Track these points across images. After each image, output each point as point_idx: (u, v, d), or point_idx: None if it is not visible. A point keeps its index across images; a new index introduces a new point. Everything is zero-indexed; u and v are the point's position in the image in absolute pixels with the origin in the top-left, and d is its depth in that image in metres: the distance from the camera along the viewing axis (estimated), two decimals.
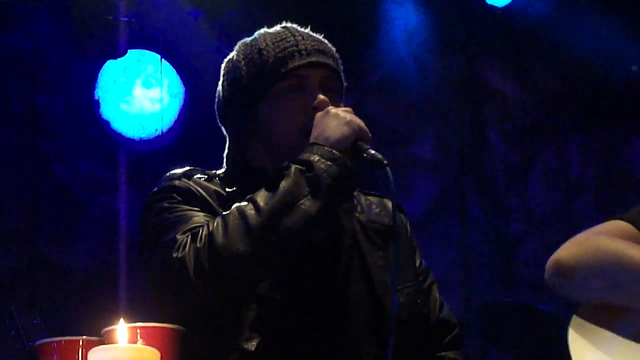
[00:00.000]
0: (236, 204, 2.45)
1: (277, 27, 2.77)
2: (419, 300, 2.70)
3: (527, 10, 6.08)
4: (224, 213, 2.45)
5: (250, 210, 2.41)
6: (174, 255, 2.39)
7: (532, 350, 5.00)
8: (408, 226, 2.88)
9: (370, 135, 2.55)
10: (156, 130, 5.70)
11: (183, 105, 5.71)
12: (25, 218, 5.52)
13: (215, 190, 2.60)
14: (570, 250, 2.59)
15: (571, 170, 6.48)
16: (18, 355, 4.39)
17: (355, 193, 2.76)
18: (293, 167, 2.45)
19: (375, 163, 2.49)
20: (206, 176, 2.66)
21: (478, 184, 6.39)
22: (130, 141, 5.71)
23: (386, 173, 2.49)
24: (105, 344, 2.05)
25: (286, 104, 2.63)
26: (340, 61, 2.75)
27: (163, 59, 5.70)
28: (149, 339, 2.06)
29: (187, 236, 2.42)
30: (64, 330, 2.37)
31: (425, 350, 2.70)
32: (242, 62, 2.70)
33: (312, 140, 2.51)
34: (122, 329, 1.99)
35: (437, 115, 6.45)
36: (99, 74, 5.66)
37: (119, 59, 5.61)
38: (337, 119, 2.52)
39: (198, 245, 2.38)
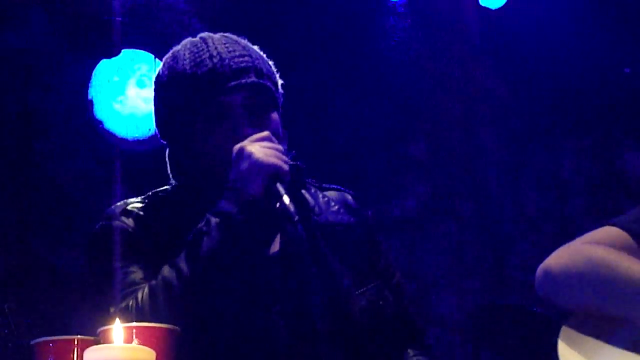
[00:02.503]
0: (162, 273, 2.46)
1: (198, 39, 2.69)
2: (381, 302, 2.65)
3: (520, 12, 6.09)
4: (151, 283, 2.46)
5: (174, 280, 2.43)
6: None
7: (524, 352, 5.00)
8: (370, 220, 2.82)
9: (286, 168, 2.49)
10: (149, 130, 5.70)
11: None
12: (18, 217, 5.51)
13: (152, 223, 2.59)
14: (560, 258, 2.59)
15: (563, 173, 6.49)
16: (10, 353, 4.38)
17: (312, 190, 2.73)
18: (213, 221, 2.44)
19: (286, 216, 2.44)
20: (145, 203, 2.64)
21: (470, 185, 6.39)
22: (124, 141, 5.70)
23: (296, 227, 2.47)
24: (101, 343, 2.05)
25: (210, 134, 2.59)
26: (267, 65, 2.68)
27: (157, 59, 5.70)
28: (145, 339, 2.05)
29: (119, 312, 2.43)
30: (58, 330, 2.37)
31: (391, 352, 2.67)
32: (166, 85, 2.66)
33: (229, 183, 2.48)
34: (117, 328, 1.98)
35: (430, 116, 6.46)
36: (93, 74, 5.66)
37: (112, 59, 5.61)
38: (249, 161, 2.46)
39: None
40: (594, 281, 2.52)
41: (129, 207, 2.63)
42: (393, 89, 6.34)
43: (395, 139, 6.39)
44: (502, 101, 6.50)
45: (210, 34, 2.71)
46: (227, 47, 2.64)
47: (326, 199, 2.75)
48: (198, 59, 2.63)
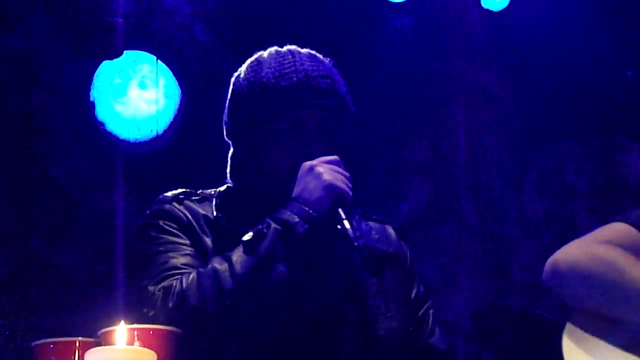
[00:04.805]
0: (213, 264, 2.48)
1: (285, 51, 2.74)
2: (411, 328, 2.71)
3: (523, 14, 6.09)
4: (199, 270, 2.48)
5: (225, 273, 2.45)
6: (145, 310, 2.44)
7: (526, 354, 5.00)
8: (409, 254, 2.88)
9: (350, 194, 2.57)
10: (151, 131, 5.69)
11: (179, 107, 5.70)
12: (19, 218, 5.51)
13: (204, 215, 2.64)
14: (570, 253, 2.60)
15: (566, 175, 6.48)
16: (12, 355, 4.38)
17: (356, 217, 2.77)
18: (272, 227, 2.49)
19: (345, 239, 2.54)
20: (199, 197, 2.70)
21: (473, 187, 6.39)
22: (125, 142, 5.69)
23: (355, 252, 2.55)
24: (102, 345, 2.04)
25: (282, 144, 2.65)
26: (345, 90, 2.73)
27: (159, 60, 5.69)
28: (146, 340, 2.06)
29: (160, 291, 2.46)
30: (59, 332, 2.37)
31: None
32: (246, 87, 2.71)
33: (294, 194, 2.55)
34: (121, 330, 1.98)
35: (433, 119, 6.45)
36: (95, 75, 5.65)
37: (114, 60, 5.60)
38: (318, 180, 2.54)
39: (170, 304, 2.43)
40: (601, 283, 2.53)
41: (180, 196, 2.68)
42: (395, 91, 6.33)
43: (397, 142, 6.39)
44: (505, 104, 6.49)
45: (298, 48, 2.77)
46: (312, 65, 2.70)
47: (368, 227, 2.81)
48: (283, 71, 2.68)
